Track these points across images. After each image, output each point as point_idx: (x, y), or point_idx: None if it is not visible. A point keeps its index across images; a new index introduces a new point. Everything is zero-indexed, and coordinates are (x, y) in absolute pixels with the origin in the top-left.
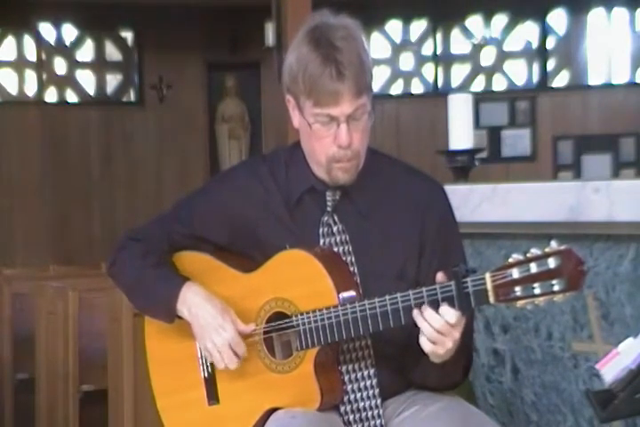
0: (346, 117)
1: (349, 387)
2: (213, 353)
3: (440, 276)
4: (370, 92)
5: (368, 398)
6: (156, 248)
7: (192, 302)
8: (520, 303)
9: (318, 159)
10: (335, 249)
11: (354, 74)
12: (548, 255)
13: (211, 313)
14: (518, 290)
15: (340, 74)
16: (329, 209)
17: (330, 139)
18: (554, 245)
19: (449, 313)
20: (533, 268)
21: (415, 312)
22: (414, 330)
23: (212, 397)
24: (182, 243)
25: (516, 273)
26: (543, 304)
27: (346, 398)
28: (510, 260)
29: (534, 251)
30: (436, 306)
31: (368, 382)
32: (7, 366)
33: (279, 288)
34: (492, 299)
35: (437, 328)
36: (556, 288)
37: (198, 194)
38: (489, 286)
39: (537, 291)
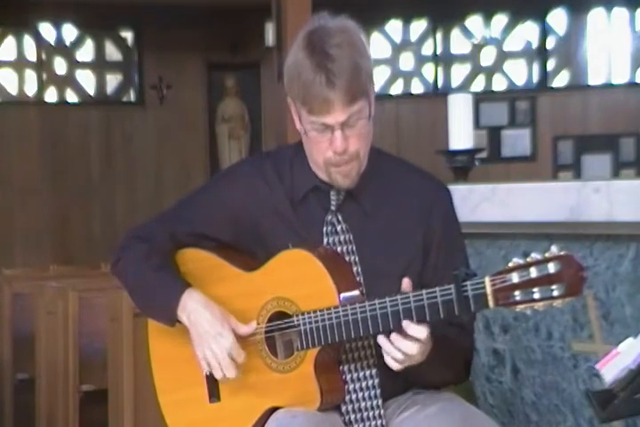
0: (340, 125)
1: (350, 387)
2: (211, 362)
3: (406, 283)
4: (367, 96)
5: (369, 398)
6: (159, 248)
7: (192, 309)
8: (519, 308)
9: (317, 163)
10: (338, 248)
11: (345, 82)
12: (548, 260)
13: (209, 321)
14: (518, 294)
15: (330, 82)
16: (333, 208)
17: (326, 144)
18: (554, 249)
19: (417, 331)
20: (533, 272)
21: (382, 340)
22: None
23: (214, 395)
24: (185, 241)
25: (515, 277)
26: (543, 309)
27: (347, 398)
28: (510, 264)
29: (534, 255)
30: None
31: (370, 382)
32: (7, 366)
33: (281, 288)
34: (491, 303)
35: (408, 353)
36: (555, 293)
37: (202, 191)
38: (488, 290)
39: (536, 296)
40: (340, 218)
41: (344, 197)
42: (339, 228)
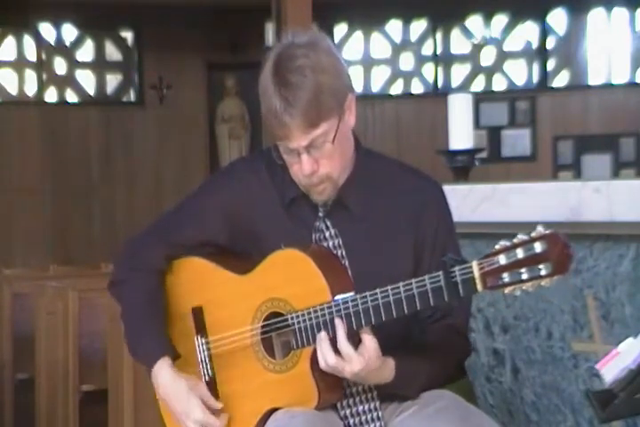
0: (304, 148)
1: (348, 391)
2: None
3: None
4: (335, 116)
5: (367, 400)
6: (153, 287)
7: (160, 383)
8: (508, 289)
9: (296, 182)
10: None
11: (301, 111)
12: (534, 240)
13: (177, 397)
14: (506, 276)
15: (286, 111)
16: (320, 215)
17: (297, 166)
18: (540, 229)
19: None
20: (520, 253)
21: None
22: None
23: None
24: (183, 252)
25: (503, 259)
26: (532, 289)
27: (345, 402)
28: (497, 246)
29: (521, 236)
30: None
31: (367, 385)
32: (7, 366)
33: (274, 288)
34: (479, 287)
35: (331, 365)
36: (543, 273)
37: (197, 194)
38: (476, 274)
39: (524, 276)
40: (328, 224)
41: (332, 203)
42: (327, 234)
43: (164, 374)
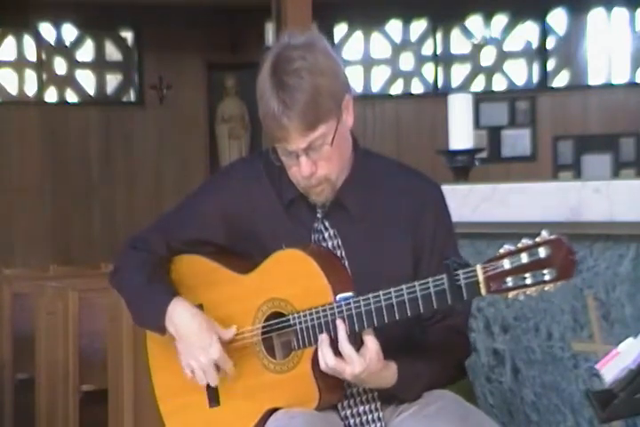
0: (303, 150)
1: (349, 391)
2: (197, 371)
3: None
4: (334, 118)
5: (368, 401)
6: (154, 259)
7: (178, 321)
8: (512, 294)
9: (295, 183)
10: None
11: (299, 112)
12: (538, 245)
13: (196, 333)
14: (509, 281)
15: (284, 113)
16: (319, 215)
17: (295, 168)
18: (545, 234)
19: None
20: (524, 258)
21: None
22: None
23: (213, 399)
24: (182, 249)
25: (507, 264)
26: (535, 294)
27: (346, 403)
28: (501, 250)
29: (525, 241)
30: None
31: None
32: (7, 366)
33: (276, 288)
34: (483, 291)
35: (331, 366)
36: (546, 278)
37: (197, 194)
38: (480, 277)
39: (528, 281)
40: (327, 224)
41: (330, 204)
42: (326, 234)
43: (180, 311)
